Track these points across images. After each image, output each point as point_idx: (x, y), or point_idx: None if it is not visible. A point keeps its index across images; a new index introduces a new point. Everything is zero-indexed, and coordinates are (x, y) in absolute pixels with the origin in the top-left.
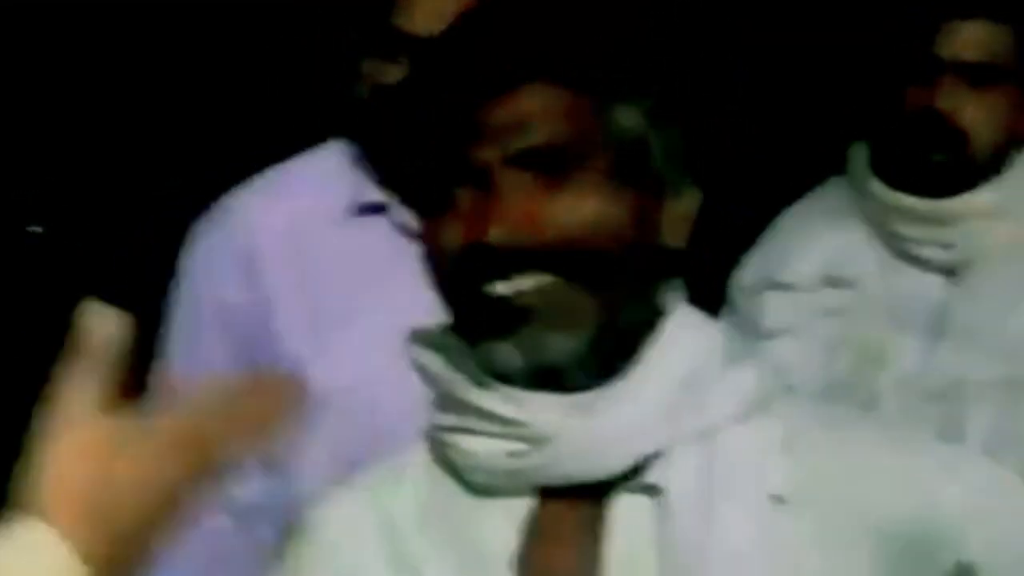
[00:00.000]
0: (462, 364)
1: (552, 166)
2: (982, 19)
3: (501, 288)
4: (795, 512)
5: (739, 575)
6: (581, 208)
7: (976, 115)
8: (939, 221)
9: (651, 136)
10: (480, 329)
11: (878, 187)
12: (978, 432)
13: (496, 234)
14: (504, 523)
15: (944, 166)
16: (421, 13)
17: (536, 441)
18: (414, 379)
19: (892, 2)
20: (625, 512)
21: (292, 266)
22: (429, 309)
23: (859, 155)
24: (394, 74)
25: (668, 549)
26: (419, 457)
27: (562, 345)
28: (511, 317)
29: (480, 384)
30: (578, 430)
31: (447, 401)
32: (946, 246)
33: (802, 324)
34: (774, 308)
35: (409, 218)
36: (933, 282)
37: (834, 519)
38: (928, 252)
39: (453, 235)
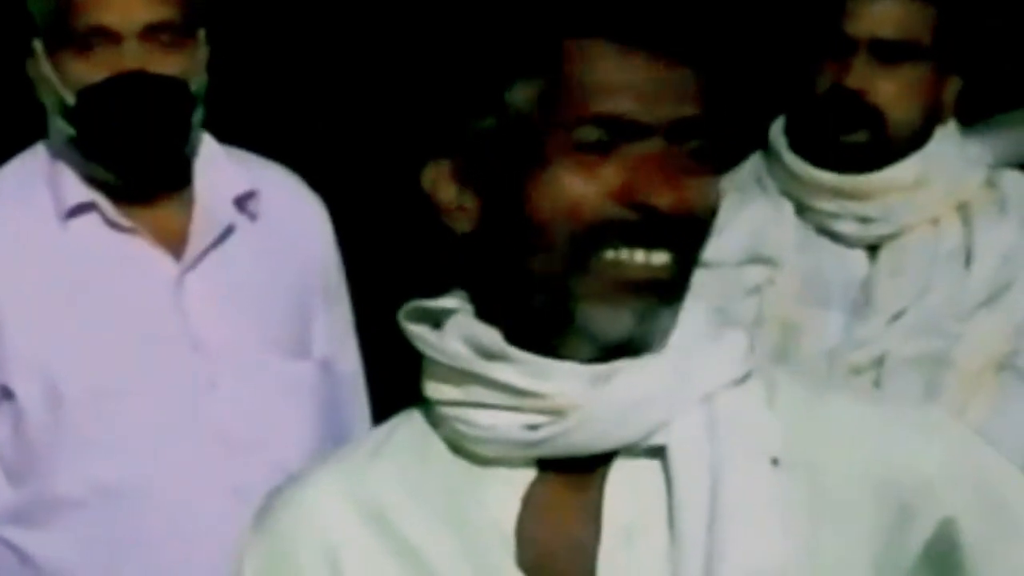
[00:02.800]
0: (470, 337)
1: (705, 148)
2: None
3: (641, 258)
4: (787, 474)
5: (748, 535)
6: (714, 191)
7: (890, 92)
8: (857, 196)
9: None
10: (595, 294)
11: (796, 163)
12: None
13: (666, 201)
14: (504, 495)
15: (861, 145)
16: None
17: (555, 412)
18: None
19: None
20: (629, 476)
21: (8, 276)
22: (146, 302)
23: (778, 131)
24: (94, 72)
25: (677, 509)
26: (399, 434)
27: (669, 321)
28: (646, 287)
29: (491, 357)
30: (598, 401)
31: (450, 374)
32: (864, 221)
33: (727, 302)
34: (700, 286)
35: (118, 214)
36: (854, 257)
37: (822, 483)
38: (847, 227)
39: (597, 186)
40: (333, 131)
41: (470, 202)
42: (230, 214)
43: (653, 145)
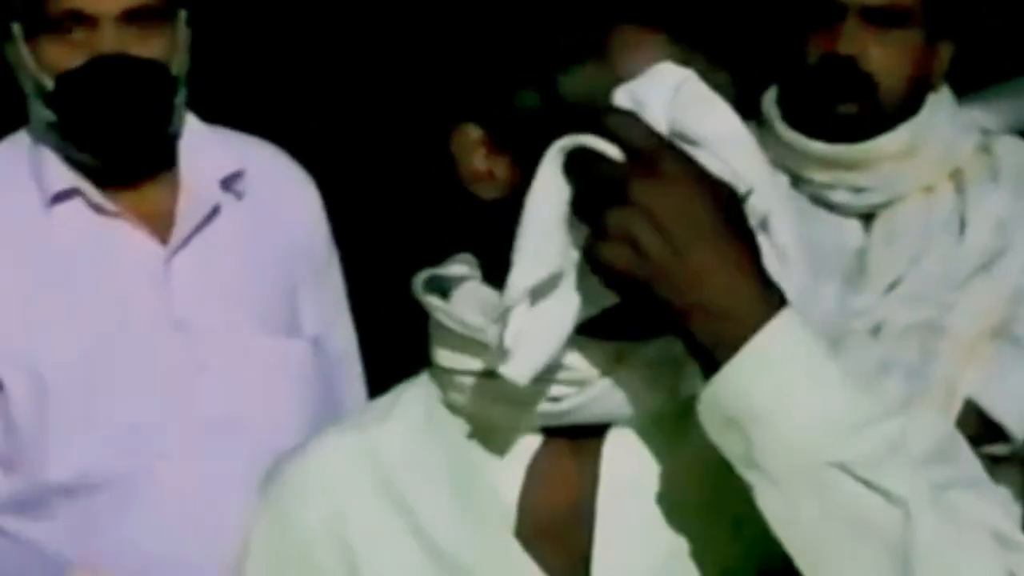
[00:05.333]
0: (487, 306)
1: None
2: None
3: None
4: None
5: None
6: None
7: (882, 58)
8: (849, 166)
9: None
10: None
11: (789, 134)
12: (897, 376)
13: None
14: (509, 463)
15: (854, 113)
16: None
17: (579, 383)
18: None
19: None
20: (628, 439)
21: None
22: (133, 286)
23: (771, 103)
24: (73, 56)
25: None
26: (405, 401)
27: None
28: None
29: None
30: (622, 373)
31: (466, 343)
32: (858, 190)
33: None
34: None
35: (102, 198)
36: (849, 227)
37: None
38: (840, 197)
39: None
40: (323, 108)
41: (502, 171)
42: (216, 195)
43: None
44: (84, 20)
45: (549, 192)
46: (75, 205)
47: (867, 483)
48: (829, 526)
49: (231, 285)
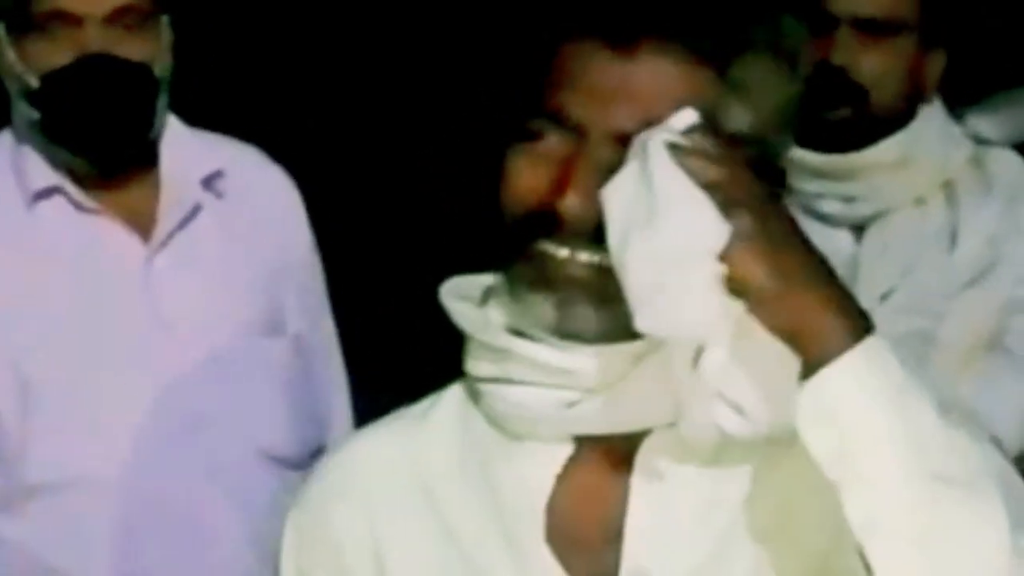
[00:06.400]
0: (513, 314)
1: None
2: None
3: (563, 253)
4: None
5: None
6: None
7: (874, 68)
8: (840, 176)
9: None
10: (535, 283)
11: None
12: None
13: (572, 204)
14: (539, 471)
15: (845, 122)
16: None
17: (592, 391)
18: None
19: None
20: (661, 450)
21: None
22: (114, 284)
23: None
24: (57, 56)
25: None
26: (441, 407)
27: (597, 322)
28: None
29: (530, 335)
30: (634, 380)
31: (487, 351)
32: (849, 201)
33: None
34: None
35: (84, 196)
36: (839, 238)
37: None
38: (831, 207)
39: (532, 178)
40: (307, 110)
41: None
42: (197, 194)
43: None
44: (70, 20)
45: (676, 174)
46: (57, 203)
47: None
48: (922, 538)
49: (212, 283)
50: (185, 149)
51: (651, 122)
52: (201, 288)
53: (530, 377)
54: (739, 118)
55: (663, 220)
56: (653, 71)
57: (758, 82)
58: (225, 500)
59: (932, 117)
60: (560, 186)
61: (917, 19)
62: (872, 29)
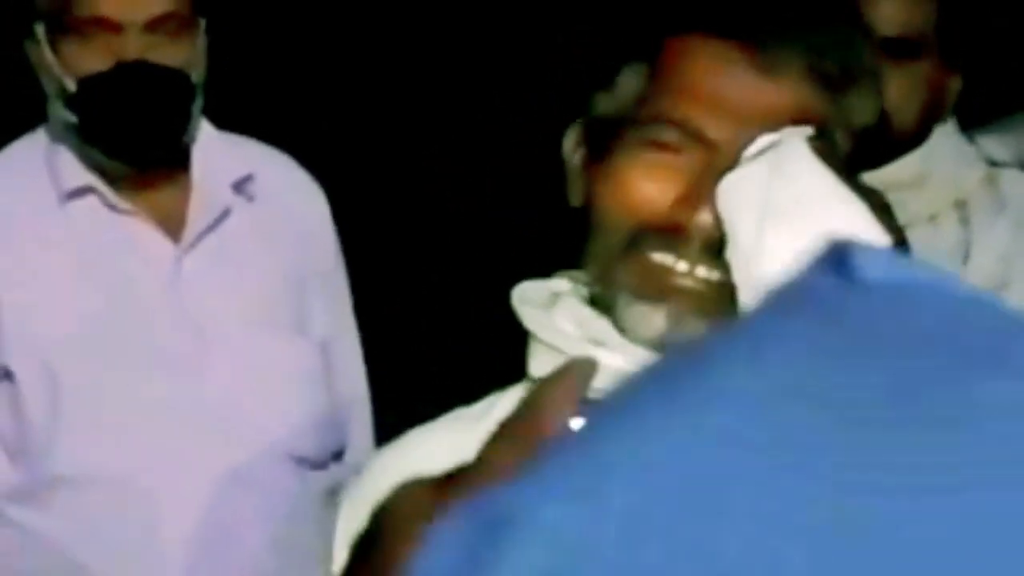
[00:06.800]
0: (580, 322)
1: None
2: None
3: (682, 267)
4: None
5: None
6: None
7: (895, 90)
8: None
9: None
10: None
11: None
12: None
13: (707, 221)
14: None
15: (865, 143)
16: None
17: None
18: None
19: None
20: None
21: (8, 259)
22: (144, 284)
23: None
24: (96, 60)
25: None
26: (509, 402)
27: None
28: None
29: (599, 343)
30: None
31: (550, 355)
32: None
33: None
34: None
35: (116, 197)
36: None
37: None
38: None
39: (654, 190)
40: (333, 116)
41: (580, 176)
42: (227, 197)
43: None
44: (110, 26)
45: (826, 172)
46: (89, 202)
47: None
48: None
49: (240, 284)
50: (216, 153)
51: None
52: (229, 289)
53: (601, 385)
54: (842, 143)
55: (819, 212)
56: (794, 93)
57: (858, 110)
58: (248, 499)
59: (947, 137)
60: (694, 201)
61: (935, 40)
62: (894, 50)
